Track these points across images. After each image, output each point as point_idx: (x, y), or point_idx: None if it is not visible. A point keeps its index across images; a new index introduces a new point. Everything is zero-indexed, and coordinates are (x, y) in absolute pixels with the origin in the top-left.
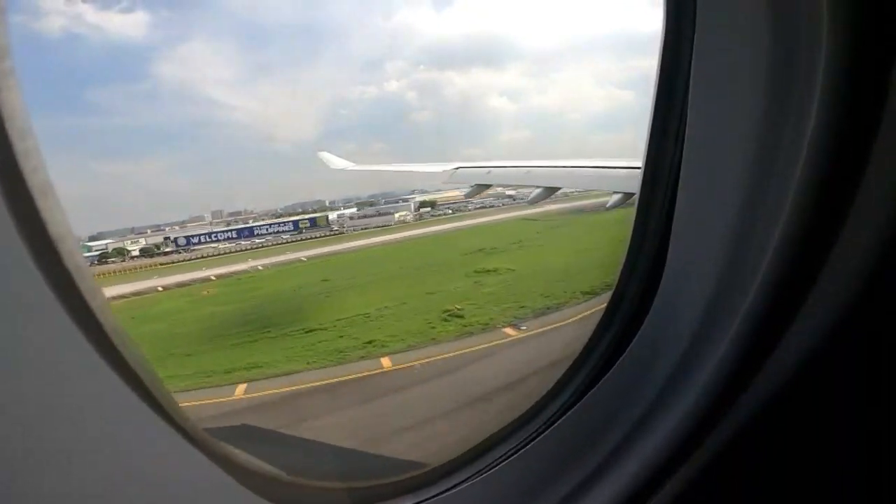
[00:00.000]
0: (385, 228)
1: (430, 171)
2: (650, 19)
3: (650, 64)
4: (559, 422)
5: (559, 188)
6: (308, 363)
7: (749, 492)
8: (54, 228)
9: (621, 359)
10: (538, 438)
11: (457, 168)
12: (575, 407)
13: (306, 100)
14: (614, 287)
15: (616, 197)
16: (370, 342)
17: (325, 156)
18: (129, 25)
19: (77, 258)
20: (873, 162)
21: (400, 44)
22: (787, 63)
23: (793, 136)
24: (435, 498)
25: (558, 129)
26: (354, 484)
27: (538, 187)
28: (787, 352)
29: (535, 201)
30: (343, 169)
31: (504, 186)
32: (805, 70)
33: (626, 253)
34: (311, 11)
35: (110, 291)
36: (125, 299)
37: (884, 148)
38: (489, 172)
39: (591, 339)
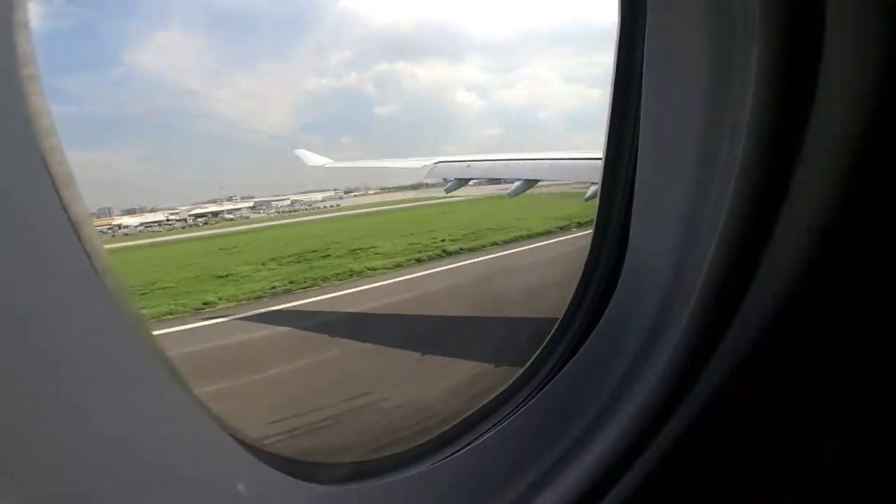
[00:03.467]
0: None
1: (409, 166)
2: (609, 12)
3: (611, 59)
4: (530, 402)
5: (539, 180)
6: None
7: (715, 466)
8: (76, 215)
9: (587, 343)
10: (509, 419)
11: (437, 163)
12: (543, 390)
13: (265, 91)
14: (580, 277)
15: (594, 188)
16: None
17: (302, 153)
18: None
19: (96, 243)
20: (805, 151)
21: (353, 33)
22: (725, 62)
23: (732, 128)
24: (415, 475)
25: (530, 127)
26: (326, 460)
27: (519, 180)
28: (742, 329)
29: (515, 193)
30: (322, 166)
31: (485, 179)
32: (741, 69)
33: (590, 243)
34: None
35: None
36: None
37: (813, 139)
38: (469, 166)
39: (559, 325)
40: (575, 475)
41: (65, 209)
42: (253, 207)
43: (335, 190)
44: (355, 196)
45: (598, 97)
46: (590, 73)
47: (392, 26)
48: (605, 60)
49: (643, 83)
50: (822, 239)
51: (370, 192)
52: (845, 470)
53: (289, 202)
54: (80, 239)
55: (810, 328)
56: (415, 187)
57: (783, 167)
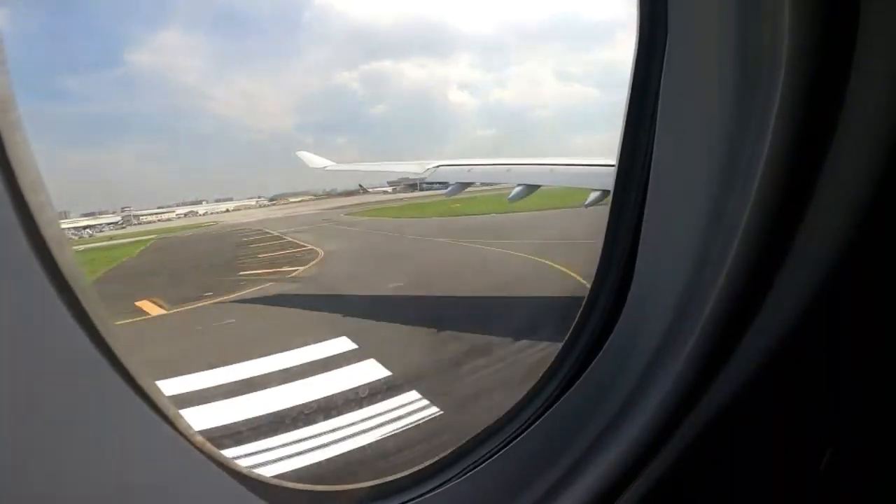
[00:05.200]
0: None
1: (410, 170)
2: (606, 9)
3: (609, 58)
4: (539, 420)
5: (540, 185)
6: None
7: (718, 476)
8: (62, 261)
9: (599, 355)
10: (518, 439)
11: (437, 166)
12: (556, 404)
13: (253, 90)
14: (590, 288)
15: (595, 195)
16: None
17: (304, 154)
18: None
19: (74, 270)
20: (828, 164)
21: (342, 33)
22: (751, 74)
23: (754, 142)
24: (420, 498)
25: (527, 127)
26: (336, 487)
27: (519, 185)
28: (753, 343)
29: (515, 199)
30: (323, 168)
31: (485, 184)
32: (766, 80)
33: (601, 251)
34: None
35: None
36: None
37: (839, 153)
38: (470, 171)
39: (569, 338)
40: (580, 490)
41: (54, 260)
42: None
43: (258, 198)
44: (264, 206)
45: (596, 97)
46: (587, 71)
47: (382, 25)
48: (602, 59)
49: (660, 94)
50: (839, 256)
51: (292, 199)
52: (855, 483)
53: (175, 214)
54: (46, 243)
55: (824, 345)
56: (346, 193)
57: (804, 185)
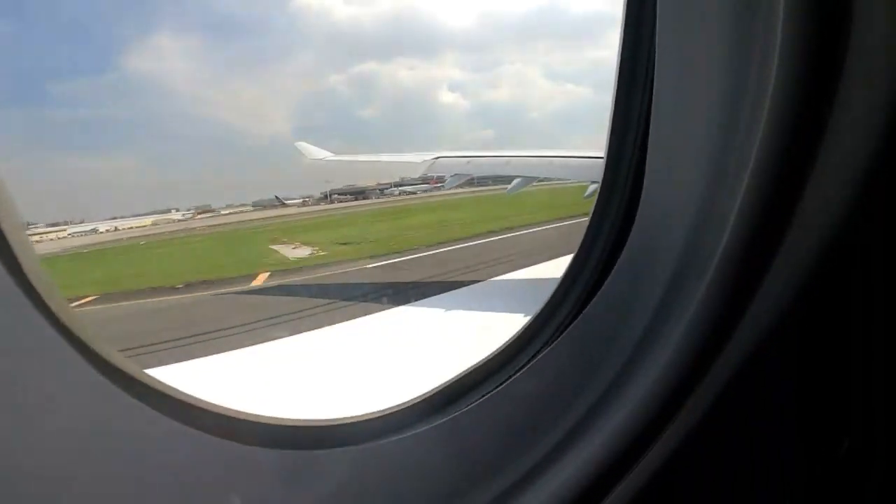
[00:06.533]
0: None
1: (409, 161)
2: (588, 4)
3: (601, 56)
4: (536, 360)
5: (537, 177)
6: None
7: (713, 465)
8: (6, 222)
9: (576, 320)
10: (511, 380)
11: (437, 158)
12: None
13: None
14: (577, 251)
15: (594, 186)
16: None
17: (303, 145)
18: None
19: (28, 249)
20: (822, 153)
21: (330, 36)
22: (743, 54)
23: (749, 123)
24: (407, 436)
25: (522, 128)
26: (314, 423)
27: (518, 177)
28: (751, 323)
29: (515, 190)
30: (322, 159)
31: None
32: (759, 62)
33: (586, 229)
34: None
35: None
36: None
37: (833, 141)
38: (469, 162)
39: (555, 293)
40: (566, 473)
41: None
42: None
43: (188, 210)
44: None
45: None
46: (574, 69)
47: (371, 27)
48: (595, 56)
49: (655, 67)
50: (838, 235)
51: (224, 212)
52: (858, 471)
53: (67, 234)
54: (10, 245)
55: (824, 325)
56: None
57: (801, 162)
